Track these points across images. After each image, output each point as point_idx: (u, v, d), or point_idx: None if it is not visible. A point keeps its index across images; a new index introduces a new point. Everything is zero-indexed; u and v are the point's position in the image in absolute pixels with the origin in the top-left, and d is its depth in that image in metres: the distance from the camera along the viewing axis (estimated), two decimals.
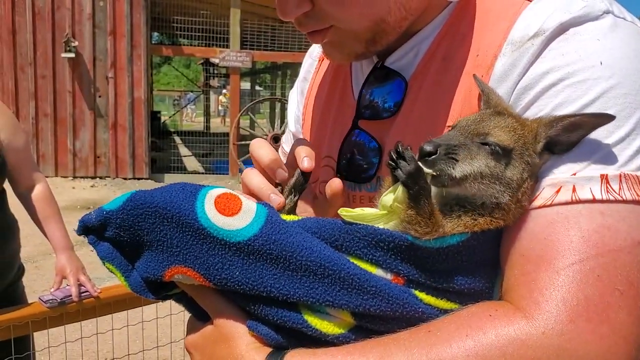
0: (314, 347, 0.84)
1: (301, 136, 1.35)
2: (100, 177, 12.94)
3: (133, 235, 0.91)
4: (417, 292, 0.85)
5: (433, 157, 0.82)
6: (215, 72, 23.53)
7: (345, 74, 1.23)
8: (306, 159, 0.99)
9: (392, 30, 1.03)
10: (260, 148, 1.02)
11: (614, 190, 0.80)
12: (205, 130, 22.28)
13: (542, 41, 0.89)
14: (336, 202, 1.00)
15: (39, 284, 6.17)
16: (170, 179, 12.83)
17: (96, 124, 12.81)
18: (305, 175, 1.01)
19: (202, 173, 15.00)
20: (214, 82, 27.39)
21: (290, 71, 20.44)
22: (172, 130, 24.48)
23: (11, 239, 2.83)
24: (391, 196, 0.86)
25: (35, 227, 2.96)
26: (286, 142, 1.47)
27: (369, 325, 0.85)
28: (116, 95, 12.76)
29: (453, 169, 0.82)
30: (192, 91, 34.23)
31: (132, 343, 3.42)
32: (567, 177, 0.83)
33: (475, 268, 0.86)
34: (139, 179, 13.04)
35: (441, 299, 0.85)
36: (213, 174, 14.60)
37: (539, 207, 0.84)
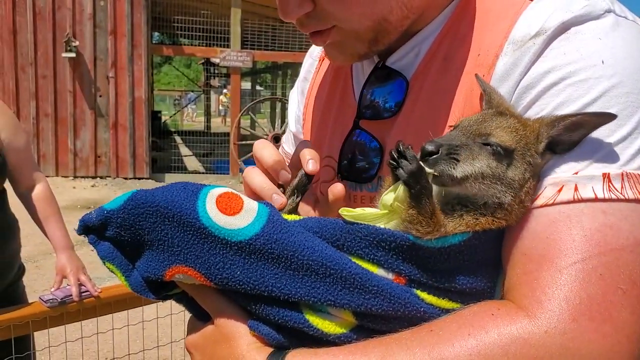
0: (315, 347, 0.84)
1: (301, 136, 1.35)
2: (101, 177, 12.95)
3: (134, 234, 0.91)
4: (418, 292, 0.85)
5: (434, 157, 0.82)
6: (216, 71, 23.53)
7: (346, 74, 1.23)
8: (311, 162, 0.99)
9: (394, 29, 1.02)
10: (264, 149, 1.02)
11: (616, 189, 0.80)
12: (205, 130, 22.27)
13: (543, 40, 0.89)
14: (338, 206, 1.00)
15: (40, 283, 6.17)
16: (171, 178, 12.84)
17: (97, 123, 12.81)
18: (309, 176, 1.01)
19: (203, 173, 15.00)
20: (215, 82, 27.39)
21: (290, 71, 20.46)
22: (172, 130, 24.49)
23: (11, 239, 2.83)
24: (392, 195, 0.86)
25: (35, 226, 2.96)
26: (286, 142, 1.47)
27: (370, 324, 0.85)
28: (117, 95, 12.77)
29: (454, 169, 0.82)
30: (192, 91, 34.25)
31: (132, 343, 3.42)
32: (569, 176, 0.83)
33: (477, 267, 0.86)
34: (139, 178, 13.05)
35: (443, 299, 0.85)
36: (214, 173, 14.61)
37: (541, 206, 0.83)
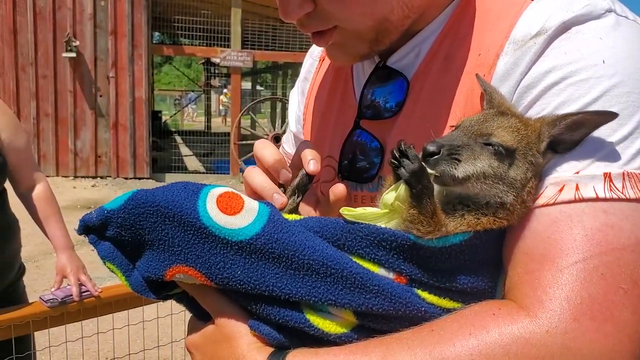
0: (316, 347, 0.84)
1: (302, 136, 1.35)
2: (101, 177, 12.95)
3: (134, 234, 0.90)
4: (419, 292, 0.85)
5: (436, 157, 0.82)
6: (216, 71, 23.56)
7: (347, 74, 1.23)
8: (312, 162, 0.99)
9: (395, 29, 1.02)
10: (264, 148, 1.02)
11: (617, 189, 0.80)
12: (206, 130, 22.26)
13: (544, 40, 0.89)
14: (339, 206, 1.00)
15: (40, 283, 6.17)
16: (171, 178, 12.84)
17: (97, 123, 12.82)
18: (310, 176, 1.01)
19: (203, 173, 15.01)
20: (215, 82, 27.39)
21: (291, 71, 20.46)
22: (173, 129, 24.49)
23: (12, 239, 2.83)
24: (392, 194, 0.86)
25: (35, 226, 2.96)
26: (286, 142, 1.47)
27: (371, 324, 0.85)
28: (117, 95, 12.77)
29: (455, 169, 0.82)
30: (193, 91, 34.25)
31: (133, 343, 3.42)
32: (570, 175, 0.83)
33: (478, 267, 0.86)
34: (139, 178, 13.05)
35: (444, 298, 0.85)
36: (214, 173, 14.61)
37: (542, 206, 0.83)
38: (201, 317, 0.96)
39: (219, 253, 0.86)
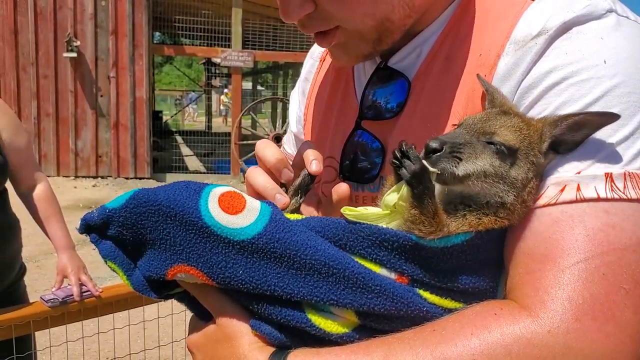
0: (317, 347, 0.84)
1: (303, 137, 1.35)
2: (102, 177, 12.95)
3: (136, 233, 0.90)
4: (421, 292, 0.84)
5: (438, 154, 0.82)
6: (217, 71, 23.57)
7: (348, 75, 1.23)
8: (315, 162, 0.99)
9: (397, 29, 1.02)
10: (266, 148, 1.02)
11: (618, 189, 0.80)
12: (206, 130, 22.28)
13: (545, 40, 0.89)
14: (342, 206, 1.00)
15: (41, 283, 6.17)
16: (172, 178, 12.82)
17: (98, 123, 12.82)
18: (312, 177, 1.01)
19: (204, 173, 15.01)
20: (216, 82, 27.40)
21: (291, 71, 20.46)
22: (173, 129, 24.49)
23: (13, 239, 2.83)
24: (395, 195, 0.86)
25: (36, 226, 2.96)
26: (287, 143, 1.47)
27: (373, 324, 0.85)
28: (118, 95, 12.77)
29: (456, 167, 0.82)
30: (193, 91, 34.26)
31: (133, 342, 3.42)
32: (571, 175, 0.83)
33: (479, 267, 0.86)
34: (140, 178, 13.05)
35: (445, 298, 0.85)
36: (215, 173, 14.61)
37: (544, 206, 0.83)
38: (202, 317, 0.96)
39: (220, 252, 0.85)
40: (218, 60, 14.96)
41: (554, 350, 0.74)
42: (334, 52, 1.11)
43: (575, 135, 0.84)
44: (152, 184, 12.59)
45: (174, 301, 1.01)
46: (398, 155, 0.83)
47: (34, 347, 2.94)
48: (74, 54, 12.19)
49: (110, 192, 11.74)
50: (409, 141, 0.98)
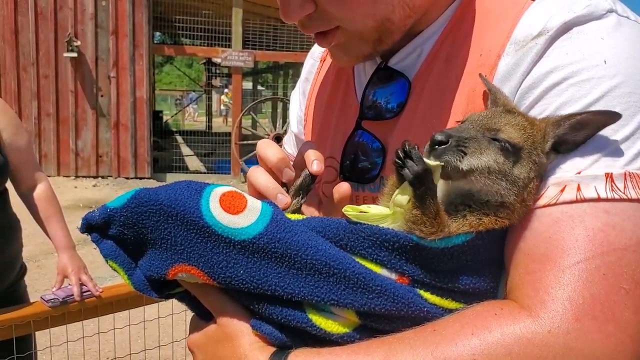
0: (318, 347, 0.84)
1: (303, 137, 1.35)
2: (103, 177, 12.95)
3: (137, 233, 0.90)
4: (422, 292, 0.85)
5: (443, 147, 0.82)
6: (217, 71, 23.59)
7: (348, 75, 1.23)
8: (316, 162, 0.99)
9: (397, 29, 1.02)
10: (267, 147, 1.02)
11: (618, 189, 0.80)
12: (207, 130, 22.26)
13: (545, 40, 0.89)
14: (343, 206, 1.00)
15: (41, 283, 6.17)
16: (172, 178, 12.81)
17: (98, 123, 12.82)
18: (313, 177, 1.01)
19: (204, 173, 15.01)
20: (216, 82, 27.43)
21: (292, 71, 20.47)
22: (174, 129, 24.50)
23: (13, 239, 2.83)
24: (406, 197, 0.86)
25: (37, 226, 2.96)
26: (287, 143, 1.47)
27: (373, 324, 0.85)
28: (118, 95, 12.77)
29: (460, 161, 0.82)
30: (194, 91, 34.27)
31: (133, 342, 3.43)
32: (571, 175, 0.83)
33: (480, 267, 0.86)
34: (141, 178, 13.05)
35: (446, 299, 0.85)
36: (215, 173, 14.61)
37: (544, 206, 0.83)
38: (203, 317, 0.96)
39: (221, 252, 0.86)
40: (218, 60, 14.96)
41: (554, 351, 0.74)
42: (334, 53, 1.11)
43: (578, 135, 0.84)
44: (152, 183, 12.59)
45: (175, 301, 1.01)
46: (401, 156, 0.83)
47: (35, 347, 2.94)
48: (75, 54, 12.19)
49: (110, 192, 11.75)
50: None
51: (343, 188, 0.99)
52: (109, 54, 12.62)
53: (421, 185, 0.81)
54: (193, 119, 35.19)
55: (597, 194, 0.80)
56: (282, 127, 14.21)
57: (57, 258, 2.90)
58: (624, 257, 0.77)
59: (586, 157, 0.83)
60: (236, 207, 0.87)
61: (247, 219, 0.86)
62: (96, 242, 0.94)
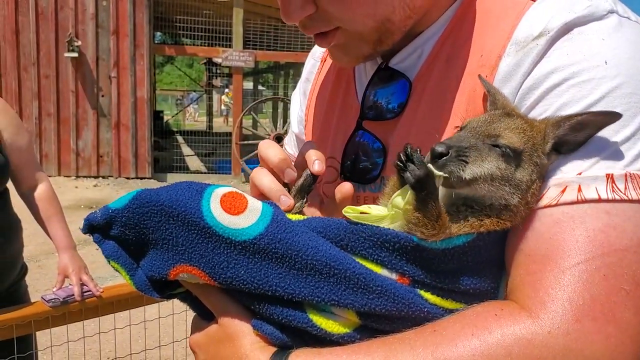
0: (318, 347, 0.84)
1: (304, 137, 1.35)
2: (103, 177, 12.95)
3: (138, 233, 0.91)
4: (422, 292, 0.85)
5: (444, 158, 0.82)
6: (218, 71, 23.58)
7: (349, 75, 1.23)
8: (317, 162, 0.99)
9: (397, 30, 1.02)
10: (268, 148, 1.02)
11: (619, 190, 0.80)
12: (207, 130, 22.27)
13: (546, 41, 0.89)
14: (345, 206, 1.00)
15: (42, 283, 6.18)
16: (173, 178, 12.83)
17: (99, 123, 12.82)
18: (314, 177, 1.01)
19: (205, 173, 15.01)
20: (217, 82, 27.43)
21: (292, 71, 20.46)
22: (174, 129, 24.51)
23: (14, 239, 2.83)
24: (401, 199, 0.86)
25: (38, 226, 2.96)
26: (288, 144, 1.47)
27: (374, 324, 0.85)
28: (119, 95, 12.77)
29: (463, 170, 0.82)
30: (194, 91, 34.28)
31: (134, 342, 3.43)
32: (572, 176, 0.83)
33: (480, 268, 0.86)
34: (141, 178, 13.05)
35: (447, 299, 0.85)
36: (215, 173, 14.62)
37: (545, 207, 0.83)
38: (204, 317, 0.97)
39: (222, 253, 0.86)
40: (219, 60, 14.97)
41: (554, 351, 0.74)
42: (333, 53, 1.11)
43: (578, 135, 0.84)
44: (153, 184, 12.60)
45: (175, 301, 1.01)
46: (403, 159, 0.83)
47: (35, 347, 2.94)
48: (75, 54, 12.19)
49: (111, 192, 11.75)
50: (410, 141, 0.98)
51: (345, 188, 0.99)
52: (109, 54, 12.63)
53: (423, 189, 0.81)
54: (194, 119, 35.20)
55: (598, 194, 0.80)
56: (283, 127, 14.21)
57: (57, 258, 2.90)
58: (625, 258, 0.77)
59: (587, 158, 0.83)
60: (237, 207, 0.87)
61: (248, 219, 0.87)
62: (98, 243, 0.94)
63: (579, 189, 0.81)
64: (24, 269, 2.96)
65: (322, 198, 1.13)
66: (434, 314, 0.84)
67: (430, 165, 0.82)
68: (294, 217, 0.92)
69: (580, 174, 0.82)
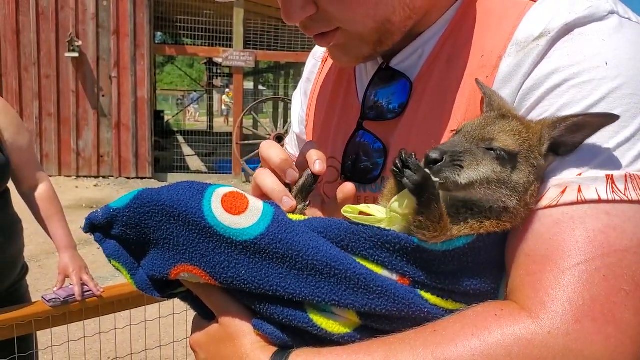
0: (319, 347, 0.84)
1: (305, 137, 1.36)
2: (104, 177, 12.96)
3: (139, 233, 0.91)
4: (422, 293, 0.85)
5: (439, 164, 0.82)
6: (219, 71, 23.58)
7: (349, 75, 1.23)
8: (318, 162, 0.99)
9: (397, 30, 1.03)
10: (270, 148, 1.02)
11: (619, 191, 0.80)
12: (208, 130, 22.27)
13: (547, 42, 0.89)
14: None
15: (43, 283, 6.18)
16: (174, 178, 12.83)
17: (99, 123, 12.83)
18: (315, 176, 1.01)
19: (205, 172, 15.01)
20: (217, 82, 27.42)
21: (293, 71, 20.46)
22: (175, 129, 24.52)
23: (15, 238, 2.83)
24: (400, 202, 0.86)
25: (38, 226, 2.96)
26: (289, 144, 1.47)
27: (374, 324, 0.85)
28: (120, 95, 12.78)
29: (459, 175, 0.82)
30: (195, 91, 34.30)
31: (134, 342, 3.43)
32: (572, 177, 0.83)
33: (481, 269, 0.86)
34: (142, 178, 13.06)
35: (447, 300, 0.85)
36: (216, 173, 14.62)
37: (545, 208, 0.83)
38: (205, 316, 0.97)
39: (223, 252, 0.86)
40: (220, 60, 14.96)
41: (554, 352, 0.74)
42: (333, 53, 1.12)
43: (575, 136, 0.84)
44: (153, 183, 12.60)
45: (176, 301, 1.01)
46: (399, 165, 0.83)
47: (36, 347, 2.94)
48: (76, 54, 12.20)
49: (111, 192, 11.75)
50: (410, 142, 0.99)
51: (347, 188, 0.99)
52: (110, 54, 12.63)
53: (424, 193, 0.81)
54: (194, 119, 35.21)
55: (598, 195, 0.80)
56: (284, 127, 14.22)
57: (58, 258, 2.90)
58: (625, 259, 0.77)
59: (587, 159, 0.83)
60: (238, 207, 0.88)
61: (249, 219, 0.87)
62: (99, 242, 0.94)
63: (579, 190, 0.81)
64: (24, 269, 2.96)
65: (323, 198, 1.14)
66: (434, 314, 0.84)
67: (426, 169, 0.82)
68: (294, 217, 0.92)
69: (580, 174, 0.82)
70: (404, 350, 0.79)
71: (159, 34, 22.39)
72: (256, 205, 0.89)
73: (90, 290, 2.77)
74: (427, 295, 0.85)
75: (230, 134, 15.04)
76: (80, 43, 12.29)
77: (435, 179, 0.81)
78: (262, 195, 0.99)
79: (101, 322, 2.92)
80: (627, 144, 0.82)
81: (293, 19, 1.00)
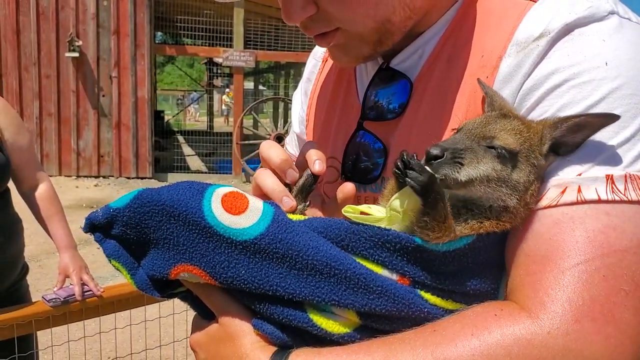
0: (319, 347, 0.84)
1: (305, 137, 1.36)
2: (104, 177, 12.96)
3: (139, 233, 0.91)
4: (422, 293, 0.85)
5: (439, 161, 0.82)
6: (219, 71, 23.59)
7: (350, 75, 1.23)
8: (318, 162, 0.99)
9: (397, 30, 1.03)
10: (270, 149, 1.02)
11: (619, 191, 0.80)
12: (208, 130, 22.29)
13: (547, 42, 0.89)
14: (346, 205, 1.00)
15: (43, 282, 6.18)
16: (174, 178, 12.84)
17: (100, 123, 12.83)
18: (315, 176, 1.01)
19: (206, 172, 15.01)
20: (218, 82, 27.43)
21: (293, 71, 20.46)
22: (175, 129, 24.55)
23: (15, 238, 2.83)
24: (398, 201, 0.86)
25: (38, 226, 2.96)
26: (290, 144, 1.47)
27: (374, 324, 0.85)
28: (120, 95, 12.79)
29: (458, 172, 0.82)
30: (195, 91, 34.31)
31: (135, 342, 3.43)
32: (572, 177, 0.83)
33: (481, 269, 0.86)
34: (142, 178, 13.06)
35: (447, 300, 0.85)
36: (216, 173, 14.62)
37: (545, 208, 0.83)
38: (205, 316, 0.97)
39: (223, 252, 0.86)
40: (220, 60, 14.96)
41: (554, 352, 0.74)
42: (333, 53, 1.12)
43: (576, 136, 0.84)
44: (153, 183, 12.60)
45: (176, 301, 1.01)
46: (400, 166, 0.83)
47: (36, 347, 2.94)
48: (76, 54, 12.20)
49: (112, 192, 11.75)
50: (410, 142, 0.99)
51: (347, 188, 0.99)
52: (110, 53, 12.64)
53: (430, 193, 0.81)
54: (194, 118, 35.23)
55: (598, 195, 0.80)
56: (284, 127, 14.22)
57: (58, 258, 2.90)
58: (624, 259, 0.77)
59: (587, 159, 0.83)
60: (238, 207, 0.88)
61: (249, 219, 0.87)
62: (99, 242, 0.95)
63: (579, 190, 0.81)
64: (25, 269, 2.96)
65: (323, 198, 1.14)
66: (434, 314, 0.84)
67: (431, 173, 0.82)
68: (294, 217, 0.92)
69: (580, 174, 0.82)
70: (404, 350, 0.79)
71: (159, 33, 22.40)
72: (256, 205, 0.89)
73: (90, 290, 2.77)
74: (427, 295, 0.85)
75: (231, 134, 15.05)
76: (80, 43, 12.29)
77: (435, 175, 0.81)
78: (263, 195, 0.99)
79: (101, 322, 2.92)
80: (627, 144, 0.82)
81: (293, 19, 1.00)
